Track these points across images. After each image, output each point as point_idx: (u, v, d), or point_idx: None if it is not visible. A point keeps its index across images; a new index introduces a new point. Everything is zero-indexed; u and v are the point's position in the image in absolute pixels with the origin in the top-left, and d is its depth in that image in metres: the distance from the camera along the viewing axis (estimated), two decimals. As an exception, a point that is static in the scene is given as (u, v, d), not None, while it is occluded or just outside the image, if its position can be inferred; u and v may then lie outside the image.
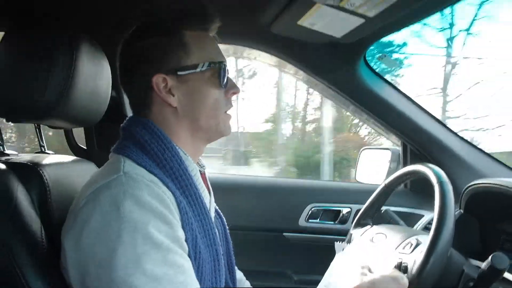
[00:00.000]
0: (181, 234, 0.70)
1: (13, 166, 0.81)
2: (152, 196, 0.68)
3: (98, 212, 0.66)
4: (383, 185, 1.23)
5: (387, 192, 1.23)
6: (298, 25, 1.17)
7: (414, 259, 0.89)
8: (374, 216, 1.26)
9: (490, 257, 0.84)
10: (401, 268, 0.90)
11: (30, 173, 0.83)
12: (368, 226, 1.20)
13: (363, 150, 1.88)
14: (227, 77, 0.84)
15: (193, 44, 0.81)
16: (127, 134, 0.81)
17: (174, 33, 0.81)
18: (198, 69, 0.80)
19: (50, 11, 1.15)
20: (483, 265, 0.86)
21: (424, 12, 1.14)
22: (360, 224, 1.25)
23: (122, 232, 0.64)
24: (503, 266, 0.83)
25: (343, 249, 1.14)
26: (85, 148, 1.44)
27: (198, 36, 0.83)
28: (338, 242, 1.18)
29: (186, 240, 0.71)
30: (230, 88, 0.86)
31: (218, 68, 0.82)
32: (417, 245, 0.95)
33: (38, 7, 1.12)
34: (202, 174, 0.89)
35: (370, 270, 0.91)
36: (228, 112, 0.87)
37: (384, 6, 0.99)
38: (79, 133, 1.45)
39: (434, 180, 0.96)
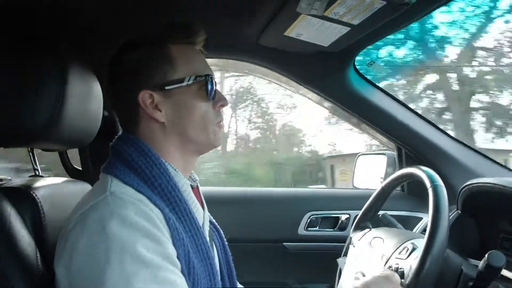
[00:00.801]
0: (171, 251, 0.70)
1: (5, 191, 0.81)
2: (139, 215, 0.67)
3: (86, 235, 0.66)
4: (380, 187, 1.23)
5: (385, 194, 1.23)
6: (285, 36, 1.18)
7: (410, 265, 0.89)
8: (372, 219, 1.26)
9: (486, 255, 0.84)
10: (398, 273, 0.90)
11: (23, 197, 0.83)
12: (367, 230, 1.20)
13: (359, 156, 1.89)
14: (215, 89, 0.84)
15: (178, 57, 0.81)
16: (115, 152, 0.81)
17: (159, 47, 0.81)
18: (184, 83, 0.80)
19: (38, 32, 1.16)
20: (480, 263, 0.86)
21: (409, 18, 1.15)
22: (359, 227, 1.25)
23: (110, 253, 0.63)
24: (500, 264, 0.83)
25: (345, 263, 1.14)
26: (80, 169, 1.44)
27: (184, 49, 0.83)
28: (340, 258, 1.18)
29: (178, 257, 0.71)
30: (218, 101, 0.85)
31: (205, 81, 0.82)
32: (413, 249, 0.95)
33: (26, 28, 1.13)
34: (195, 189, 0.89)
35: (363, 275, 0.91)
36: (219, 123, 0.86)
37: (368, 14, 1.00)
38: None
39: (428, 183, 0.96)
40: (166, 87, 0.79)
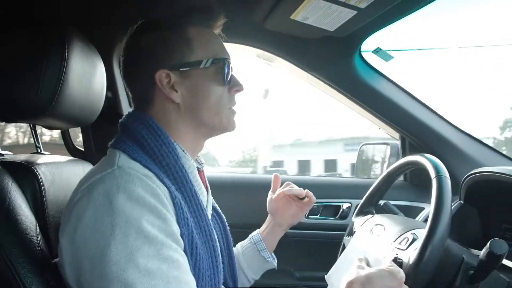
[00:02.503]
0: (176, 229, 0.69)
1: (7, 165, 0.81)
2: (145, 190, 0.67)
3: (92, 207, 0.66)
4: (385, 173, 1.22)
5: (389, 180, 1.22)
6: (291, 20, 1.17)
7: (409, 256, 0.89)
8: (376, 204, 1.25)
9: (488, 243, 0.84)
10: (397, 263, 0.89)
11: (24, 172, 0.83)
12: (370, 216, 1.19)
13: (362, 145, 1.88)
14: (231, 74, 0.84)
15: (197, 40, 0.81)
16: (124, 129, 0.81)
17: (178, 29, 0.81)
18: (201, 66, 0.80)
19: (44, 10, 1.15)
20: (482, 251, 0.86)
21: (417, 2, 1.13)
22: (362, 212, 1.24)
23: (115, 227, 0.63)
24: (502, 252, 0.83)
25: None
26: (83, 150, 1.43)
27: (202, 32, 0.83)
28: (348, 237, 1.17)
29: (181, 236, 0.71)
30: (234, 86, 0.85)
31: (222, 65, 0.82)
32: (413, 240, 0.94)
33: (32, 7, 1.12)
34: (200, 172, 0.89)
35: (368, 264, 0.90)
36: (233, 108, 0.86)
37: (376, -4, 0.99)
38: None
39: (432, 173, 0.95)
40: (183, 69, 0.79)
